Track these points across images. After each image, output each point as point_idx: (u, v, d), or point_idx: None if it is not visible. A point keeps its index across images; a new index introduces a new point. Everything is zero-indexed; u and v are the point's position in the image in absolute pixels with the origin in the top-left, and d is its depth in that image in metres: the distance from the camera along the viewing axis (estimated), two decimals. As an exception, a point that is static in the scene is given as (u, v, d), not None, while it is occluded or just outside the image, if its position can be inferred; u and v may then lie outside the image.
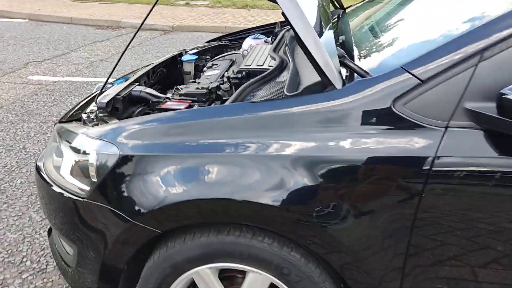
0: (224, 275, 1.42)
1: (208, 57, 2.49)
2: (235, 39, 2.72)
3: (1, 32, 7.57)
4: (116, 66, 1.60)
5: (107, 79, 1.65)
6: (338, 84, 1.22)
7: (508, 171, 1.09)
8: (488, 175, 1.10)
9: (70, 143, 1.47)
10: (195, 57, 2.36)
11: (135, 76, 1.98)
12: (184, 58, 2.34)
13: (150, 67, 2.15)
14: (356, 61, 1.42)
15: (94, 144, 1.38)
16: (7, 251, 2.19)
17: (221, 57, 2.38)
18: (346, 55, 1.40)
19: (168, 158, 1.27)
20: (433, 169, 1.11)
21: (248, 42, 2.36)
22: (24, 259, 2.13)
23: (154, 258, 1.37)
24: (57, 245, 1.67)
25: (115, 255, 1.38)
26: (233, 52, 2.42)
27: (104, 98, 1.63)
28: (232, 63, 2.24)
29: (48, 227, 1.85)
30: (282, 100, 1.30)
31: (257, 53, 2.06)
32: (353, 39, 1.69)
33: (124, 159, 1.30)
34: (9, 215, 2.47)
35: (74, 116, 1.68)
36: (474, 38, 1.12)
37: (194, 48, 2.56)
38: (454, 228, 1.15)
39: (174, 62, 2.38)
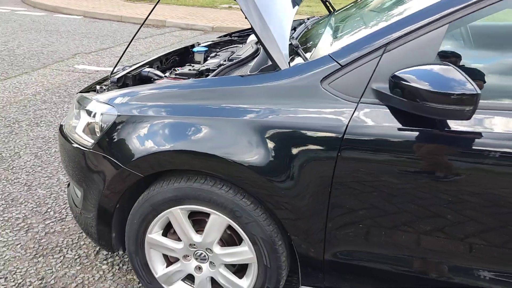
0: (195, 219, 1.76)
1: (217, 49, 2.84)
2: (243, 35, 3.07)
3: (57, 26, 8.29)
4: (124, 53, 2.00)
5: (116, 63, 2.04)
6: (283, 67, 1.55)
7: (401, 140, 1.38)
8: (387, 142, 1.39)
9: (85, 107, 1.87)
10: (205, 48, 2.72)
11: (148, 60, 2.36)
12: (195, 49, 2.71)
13: (163, 53, 2.54)
14: (309, 51, 1.74)
15: (101, 107, 1.77)
16: (36, 203, 2.63)
17: (224, 49, 2.73)
18: (299, 46, 1.72)
19: (151, 118, 1.63)
20: (345, 136, 1.41)
21: (252, 37, 2.70)
22: (49, 210, 2.57)
23: (139, 200, 1.74)
24: (71, 192, 2.08)
25: (109, 195, 1.75)
26: (236, 45, 2.77)
27: (116, 75, 2.02)
28: (232, 54, 2.59)
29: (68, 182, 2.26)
30: (240, 76, 1.64)
31: (251, 45, 2.40)
32: (314, 35, 2.01)
33: (119, 118, 1.68)
34: (42, 176, 2.93)
35: (91, 88, 2.08)
36: (380, 35, 1.42)
37: (207, 42, 2.93)
38: (363, 185, 1.45)
39: (187, 52, 2.75)
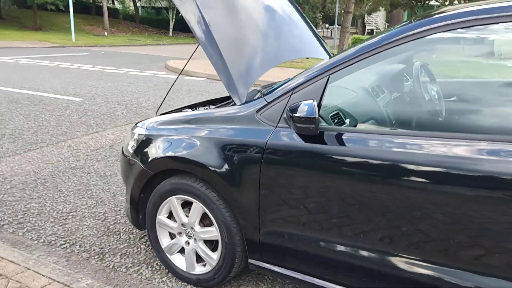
0: (188, 208, 2.56)
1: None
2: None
3: (181, 86, 10.01)
4: (164, 99, 2.97)
5: (160, 105, 3.01)
6: (238, 102, 2.34)
7: (297, 151, 2.05)
8: (290, 152, 2.07)
9: (133, 131, 2.84)
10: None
11: (191, 104, 3.30)
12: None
13: (206, 100, 3.46)
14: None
15: (138, 130, 2.73)
16: (115, 204, 3.66)
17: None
18: (262, 91, 2.48)
19: (159, 136, 2.52)
20: (267, 148, 2.13)
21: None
22: (121, 210, 3.57)
23: (153, 191, 2.61)
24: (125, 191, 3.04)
25: (135, 188, 2.65)
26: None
27: (160, 112, 2.99)
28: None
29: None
30: (216, 108, 2.46)
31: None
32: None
33: (144, 137, 2.61)
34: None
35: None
36: (290, 84, 2.14)
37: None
38: (280, 182, 2.12)
39: (224, 100, 3.59)
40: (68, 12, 26.28)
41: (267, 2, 3.06)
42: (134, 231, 3.23)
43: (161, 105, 3.04)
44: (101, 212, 3.52)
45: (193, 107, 3.27)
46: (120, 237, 3.14)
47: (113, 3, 43.94)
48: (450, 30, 1.82)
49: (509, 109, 2.39)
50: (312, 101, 1.96)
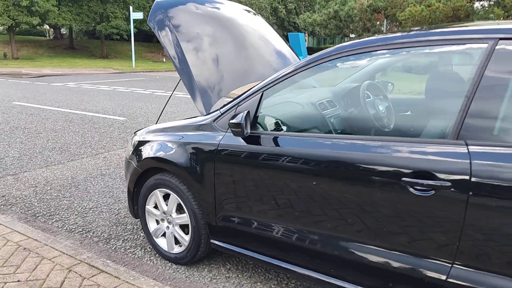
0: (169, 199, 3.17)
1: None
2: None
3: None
4: (162, 112, 3.64)
5: (159, 117, 3.68)
6: (203, 112, 2.95)
7: (238, 150, 2.61)
8: (234, 151, 2.64)
9: (132, 138, 3.51)
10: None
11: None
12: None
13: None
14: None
15: (135, 137, 3.40)
16: (130, 203, 4.35)
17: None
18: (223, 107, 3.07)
19: (147, 141, 3.18)
20: (218, 148, 2.71)
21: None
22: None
23: (143, 186, 3.25)
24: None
25: (131, 183, 3.32)
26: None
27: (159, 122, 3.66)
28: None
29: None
30: (188, 119, 3.08)
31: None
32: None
33: (138, 142, 3.27)
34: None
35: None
36: (236, 100, 2.72)
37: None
38: (229, 175, 2.69)
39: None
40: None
41: (242, 25, 3.65)
42: (137, 223, 3.89)
43: (159, 117, 3.71)
44: (116, 208, 4.22)
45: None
46: (126, 227, 3.80)
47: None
48: (339, 58, 2.37)
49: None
50: (244, 112, 2.53)
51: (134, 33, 28.19)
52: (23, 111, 9.86)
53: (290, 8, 40.62)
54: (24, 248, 3.15)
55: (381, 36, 2.33)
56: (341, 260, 2.34)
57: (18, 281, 2.73)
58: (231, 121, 2.54)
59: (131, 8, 26.53)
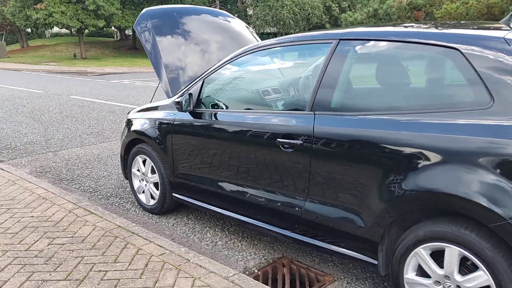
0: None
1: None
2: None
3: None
4: (153, 97, 4.60)
5: (152, 97, 4.63)
6: (169, 95, 3.87)
7: (187, 123, 3.51)
8: (184, 124, 3.53)
9: (126, 118, 4.50)
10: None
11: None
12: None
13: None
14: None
15: (128, 116, 4.38)
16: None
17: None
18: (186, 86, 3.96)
19: (133, 119, 4.14)
20: (174, 123, 3.62)
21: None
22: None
23: (130, 153, 4.22)
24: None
25: (122, 152, 4.30)
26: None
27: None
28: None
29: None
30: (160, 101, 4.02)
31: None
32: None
33: (128, 120, 4.25)
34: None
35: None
36: (188, 86, 3.61)
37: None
38: (182, 142, 3.59)
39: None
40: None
41: (213, 28, 4.52)
42: (135, 186, 4.87)
43: (151, 100, 4.66)
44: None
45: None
46: (125, 190, 4.81)
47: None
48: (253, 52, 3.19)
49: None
50: (186, 94, 3.42)
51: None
52: (77, 103, 11.31)
53: (344, 6, 40.68)
54: (43, 198, 4.23)
55: (278, 38, 3.12)
56: (248, 203, 3.16)
57: (32, 216, 3.78)
58: (175, 101, 3.44)
59: (186, 10, 28.11)
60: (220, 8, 40.60)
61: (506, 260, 2.03)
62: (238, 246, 3.49)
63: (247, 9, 41.53)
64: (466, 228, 2.13)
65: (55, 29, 46.51)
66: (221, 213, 3.41)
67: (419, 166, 2.25)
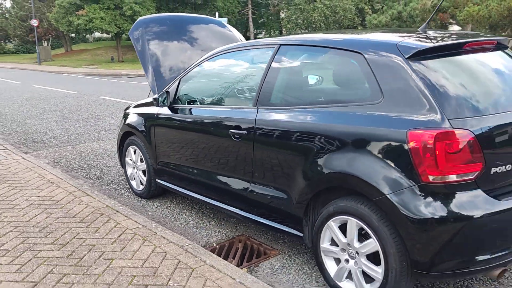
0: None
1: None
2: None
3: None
4: (149, 93, 5.19)
5: (148, 94, 5.22)
6: (155, 93, 4.42)
7: (164, 116, 4.05)
8: (163, 118, 4.07)
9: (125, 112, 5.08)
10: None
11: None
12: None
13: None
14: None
15: (125, 111, 4.97)
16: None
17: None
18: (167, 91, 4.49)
19: (129, 114, 4.72)
20: (155, 116, 4.17)
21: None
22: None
23: (124, 145, 4.80)
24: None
25: (118, 143, 4.89)
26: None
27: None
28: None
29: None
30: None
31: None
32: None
33: (124, 114, 4.84)
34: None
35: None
36: (168, 85, 4.15)
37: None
38: (163, 135, 4.13)
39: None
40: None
41: (200, 35, 5.04)
42: (134, 175, 5.47)
43: (148, 96, 5.23)
44: (126, 167, 5.86)
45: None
46: (125, 178, 5.40)
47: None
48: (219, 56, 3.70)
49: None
50: (165, 92, 3.96)
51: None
52: (104, 103, 12.14)
53: (377, 8, 40.39)
54: (51, 182, 4.87)
55: (236, 44, 3.61)
56: (212, 187, 3.66)
57: (38, 196, 4.41)
58: (153, 97, 3.99)
59: (217, 14, 28.92)
60: (252, 13, 41.36)
61: (389, 229, 2.43)
62: (207, 225, 3.99)
63: (280, 12, 41.97)
64: (362, 204, 2.55)
65: (97, 34, 48.64)
66: (192, 196, 3.92)
67: (328, 150, 2.68)
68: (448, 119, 2.29)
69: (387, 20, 18.66)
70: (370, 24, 19.86)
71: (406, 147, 2.34)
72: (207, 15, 35.61)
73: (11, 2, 47.52)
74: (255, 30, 45.36)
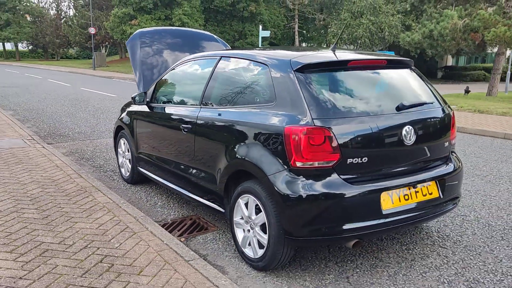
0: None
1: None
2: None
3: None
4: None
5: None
6: (140, 91, 5.23)
7: (144, 112, 4.83)
8: (143, 113, 4.86)
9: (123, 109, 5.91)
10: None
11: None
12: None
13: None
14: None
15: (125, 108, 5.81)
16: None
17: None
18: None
19: (124, 111, 5.55)
20: (138, 112, 4.96)
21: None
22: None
23: (117, 137, 5.62)
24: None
25: (114, 135, 5.72)
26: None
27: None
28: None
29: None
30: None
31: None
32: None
33: (121, 110, 5.67)
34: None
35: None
36: (148, 87, 4.94)
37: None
38: (140, 128, 4.91)
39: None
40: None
41: (190, 45, 5.80)
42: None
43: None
44: (127, 159, 6.70)
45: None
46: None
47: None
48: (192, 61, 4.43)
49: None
50: (142, 93, 4.74)
51: (263, 49, 31.50)
52: (135, 106, 13.24)
53: (414, 26, 39.91)
54: (57, 166, 5.76)
55: (195, 55, 4.33)
56: (171, 172, 4.38)
57: (41, 176, 5.30)
58: (131, 96, 4.78)
59: (260, 27, 29.95)
60: (299, 26, 42.15)
61: (272, 204, 3.04)
62: (170, 206, 4.71)
63: (327, 26, 42.40)
64: (257, 184, 3.17)
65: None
66: (157, 180, 4.65)
67: (238, 141, 3.33)
68: (313, 119, 2.88)
69: (419, 38, 18.82)
70: (403, 41, 20.05)
71: (282, 139, 2.96)
72: (253, 28, 36.53)
73: (73, 11, 51.07)
74: (305, 44, 45.98)
